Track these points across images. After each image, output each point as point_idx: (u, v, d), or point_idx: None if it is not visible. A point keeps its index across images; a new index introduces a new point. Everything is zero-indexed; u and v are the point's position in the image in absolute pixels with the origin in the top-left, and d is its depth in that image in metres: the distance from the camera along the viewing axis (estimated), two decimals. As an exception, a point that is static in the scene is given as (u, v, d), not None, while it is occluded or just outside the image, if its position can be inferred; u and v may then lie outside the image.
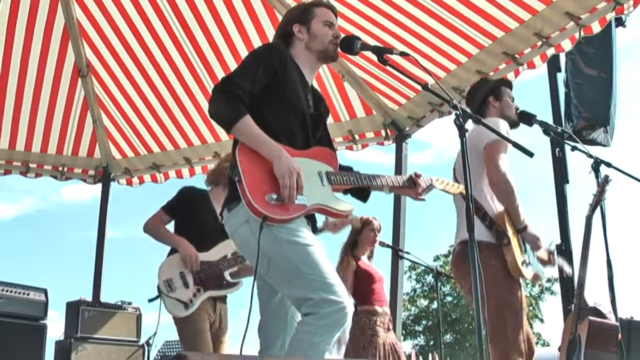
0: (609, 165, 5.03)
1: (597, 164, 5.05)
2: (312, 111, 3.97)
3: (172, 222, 6.05)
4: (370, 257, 7.36)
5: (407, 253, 7.73)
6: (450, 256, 5.19)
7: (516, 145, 3.58)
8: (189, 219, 5.93)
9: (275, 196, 3.48)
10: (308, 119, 3.90)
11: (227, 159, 6.20)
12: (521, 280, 4.76)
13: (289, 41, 4.03)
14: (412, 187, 4.11)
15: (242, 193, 3.47)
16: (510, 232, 4.68)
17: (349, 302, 3.48)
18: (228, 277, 5.86)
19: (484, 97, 5.22)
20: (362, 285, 6.94)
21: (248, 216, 3.50)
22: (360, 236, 7.21)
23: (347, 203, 3.81)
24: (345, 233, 7.29)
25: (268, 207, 3.45)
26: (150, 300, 5.79)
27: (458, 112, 3.46)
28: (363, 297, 6.93)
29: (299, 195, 3.54)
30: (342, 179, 3.84)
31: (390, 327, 7.04)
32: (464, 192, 4.29)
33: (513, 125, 5.16)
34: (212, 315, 5.82)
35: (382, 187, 4.08)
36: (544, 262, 5.32)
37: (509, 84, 5.40)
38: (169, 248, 5.94)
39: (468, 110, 4.76)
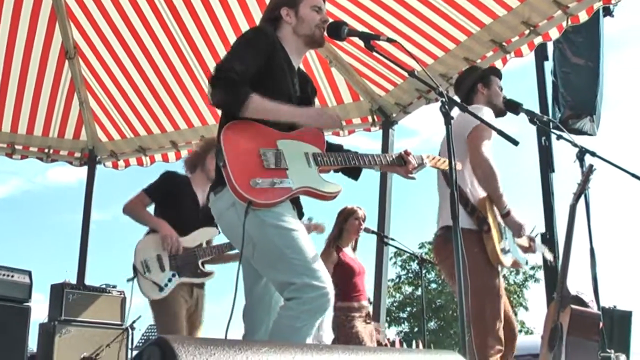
0: (593, 154, 5.05)
1: (581, 153, 5.07)
2: (299, 94, 3.96)
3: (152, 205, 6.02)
4: (354, 249, 7.33)
5: (392, 240, 7.73)
6: (433, 241, 5.20)
7: (501, 134, 3.59)
8: (170, 202, 5.89)
9: (260, 180, 3.47)
10: (295, 102, 3.88)
11: (201, 145, 6.22)
12: (500, 268, 4.79)
13: (277, 24, 4.01)
14: (402, 165, 4.09)
15: (227, 178, 3.47)
16: (490, 219, 4.70)
17: (331, 288, 3.48)
18: (202, 266, 5.85)
19: (473, 83, 5.23)
20: (342, 279, 6.82)
21: (234, 200, 3.49)
22: (346, 225, 7.15)
23: (334, 184, 3.79)
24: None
25: (253, 192, 3.45)
26: (129, 280, 5.77)
27: (444, 100, 3.46)
28: (343, 292, 6.81)
29: (284, 179, 3.56)
30: (329, 160, 3.83)
31: (369, 319, 7.02)
32: (457, 167, 4.31)
33: (500, 113, 5.18)
34: (188, 301, 5.78)
35: (372, 166, 4.07)
36: (524, 249, 5.35)
37: (498, 73, 5.41)
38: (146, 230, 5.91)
39: (454, 97, 4.77)
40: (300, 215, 3.88)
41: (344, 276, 6.89)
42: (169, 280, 5.65)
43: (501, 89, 5.28)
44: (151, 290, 5.61)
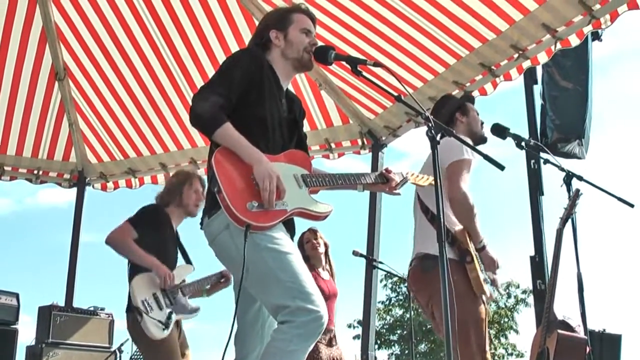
0: (580, 178, 5.04)
1: (568, 177, 5.06)
2: (286, 115, 3.98)
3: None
4: (330, 272, 7.23)
5: (381, 263, 7.69)
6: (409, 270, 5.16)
7: (488, 159, 3.59)
8: (155, 236, 5.82)
9: (256, 204, 3.49)
10: (284, 124, 3.92)
11: (173, 180, 6.21)
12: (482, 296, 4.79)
13: (266, 47, 4.01)
14: (385, 182, 4.12)
15: (223, 204, 3.47)
16: (472, 249, 4.72)
17: (325, 312, 3.47)
18: (190, 302, 5.87)
19: (451, 113, 5.24)
20: None
21: (228, 222, 3.50)
22: (304, 252, 7.10)
23: (325, 204, 3.81)
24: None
25: (250, 215, 3.45)
26: (135, 320, 5.61)
27: (430, 124, 3.46)
28: None
29: (279, 200, 3.56)
30: (317, 180, 3.85)
31: (335, 342, 6.93)
32: (433, 183, 4.33)
33: (481, 140, 5.21)
34: (176, 332, 5.77)
35: (356, 186, 4.08)
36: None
37: (472, 100, 5.47)
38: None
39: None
40: (293, 237, 3.88)
41: None
42: (168, 317, 5.60)
43: (478, 114, 5.30)
44: (157, 329, 5.52)
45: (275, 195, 3.50)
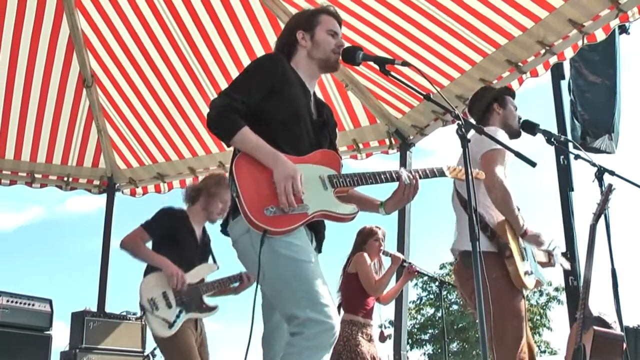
0: (612, 173, 5.00)
1: (600, 173, 5.02)
2: (315, 118, 3.94)
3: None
4: (379, 269, 7.21)
5: (411, 263, 7.66)
6: (453, 265, 5.16)
7: (519, 155, 3.57)
8: (169, 239, 5.84)
9: (274, 208, 3.43)
10: (312, 126, 3.87)
11: (209, 177, 6.23)
12: (523, 290, 4.76)
13: (292, 48, 3.99)
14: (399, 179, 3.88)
15: (240, 208, 3.43)
16: (512, 242, 4.67)
17: (337, 322, 3.41)
18: (206, 301, 5.87)
19: (489, 103, 5.21)
20: (353, 294, 6.79)
21: (248, 226, 3.45)
22: (365, 246, 7.02)
23: (350, 206, 3.73)
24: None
25: (267, 221, 3.41)
26: (137, 319, 5.71)
27: (460, 122, 3.45)
28: (351, 305, 6.78)
29: (300, 204, 3.50)
30: (345, 180, 3.76)
31: (373, 338, 6.87)
32: (479, 176, 4.29)
33: (515, 135, 5.16)
34: (194, 334, 5.78)
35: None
36: (544, 265, 5.31)
37: (512, 94, 5.40)
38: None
39: (470, 119, 4.77)
40: (320, 242, 3.85)
41: (357, 291, 6.80)
42: (177, 316, 5.62)
43: (516, 109, 5.27)
44: (161, 327, 5.56)
45: (292, 197, 3.44)
